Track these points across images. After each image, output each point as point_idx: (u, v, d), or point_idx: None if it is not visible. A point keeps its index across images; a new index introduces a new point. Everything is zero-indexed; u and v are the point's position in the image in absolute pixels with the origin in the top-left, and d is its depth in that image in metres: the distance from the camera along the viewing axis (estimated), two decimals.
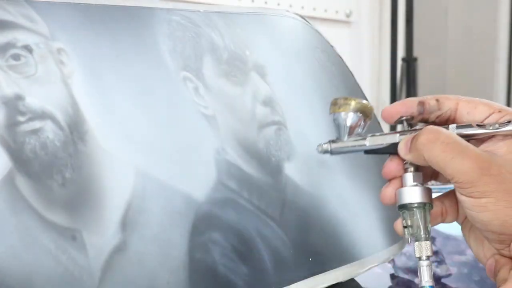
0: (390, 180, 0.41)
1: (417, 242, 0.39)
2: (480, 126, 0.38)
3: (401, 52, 2.36)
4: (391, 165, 0.41)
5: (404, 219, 0.40)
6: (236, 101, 0.49)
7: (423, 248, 0.39)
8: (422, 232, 0.39)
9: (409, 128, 0.41)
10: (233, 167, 0.46)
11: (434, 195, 0.41)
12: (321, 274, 0.47)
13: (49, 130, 0.38)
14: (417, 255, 0.39)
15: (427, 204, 0.39)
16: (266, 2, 2.26)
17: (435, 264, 0.61)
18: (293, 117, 0.52)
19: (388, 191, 0.41)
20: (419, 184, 0.39)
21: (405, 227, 0.40)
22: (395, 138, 0.40)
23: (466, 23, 2.52)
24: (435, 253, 0.64)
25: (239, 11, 0.55)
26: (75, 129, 0.39)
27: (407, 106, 0.41)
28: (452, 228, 0.44)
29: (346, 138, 0.41)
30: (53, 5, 0.42)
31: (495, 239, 0.38)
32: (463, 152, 0.36)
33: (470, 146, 0.37)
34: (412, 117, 0.41)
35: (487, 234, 0.38)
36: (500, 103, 0.40)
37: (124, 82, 0.43)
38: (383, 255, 0.53)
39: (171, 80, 0.46)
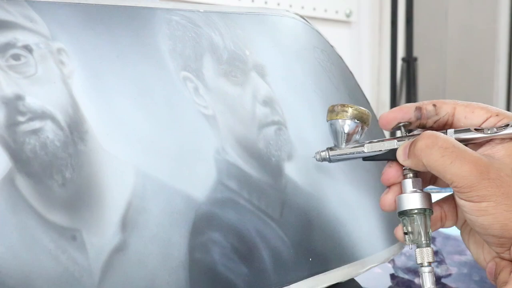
0: (389, 186, 0.41)
1: (418, 249, 0.39)
2: (478, 130, 0.38)
3: (401, 52, 2.36)
4: (390, 172, 0.41)
5: (404, 225, 0.40)
6: (236, 101, 0.49)
7: (424, 255, 0.39)
8: (423, 238, 0.39)
9: (407, 134, 0.41)
10: (233, 167, 0.46)
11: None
12: (321, 274, 0.47)
13: (49, 130, 0.38)
14: (419, 262, 0.39)
15: (427, 210, 0.39)
16: (266, 2, 2.26)
17: (435, 264, 0.61)
18: (293, 117, 0.52)
19: (388, 197, 0.41)
20: (418, 190, 0.39)
21: (405, 233, 0.40)
22: (393, 144, 0.40)
23: (466, 23, 2.52)
24: (435, 253, 0.64)
25: (239, 11, 0.55)
26: (75, 129, 0.39)
27: (404, 112, 0.41)
28: (452, 228, 0.43)
29: (344, 145, 0.41)
30: (53, 5, 0.42)
31: (495, 243, 0.38)
32: (462, 157, 0.36)
33: (468, 150, 0.37)
34: (410, 123, 0.41)
35: (487, 238, 0.38)
36: (500, 103, 0.41)
37: (124, 82, 0.43)
38: (383, 255, 0.53)
39: (171, 80, 0.46)
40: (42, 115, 0.38)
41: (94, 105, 0.41)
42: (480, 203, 0.36)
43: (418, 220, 0.39)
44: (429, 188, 0.43)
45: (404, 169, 0.40)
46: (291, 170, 0.50)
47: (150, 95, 0.44)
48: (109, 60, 0.43)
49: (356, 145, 0.41)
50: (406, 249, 0.60)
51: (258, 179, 0.47)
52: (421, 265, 0.38)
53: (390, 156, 0.40)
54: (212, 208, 0.43)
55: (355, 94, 0.62)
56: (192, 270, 0.41)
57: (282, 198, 0.48)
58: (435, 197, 0.42)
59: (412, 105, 0.41)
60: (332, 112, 0.41)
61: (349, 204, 0.53)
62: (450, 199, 0.42)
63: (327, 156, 0.42)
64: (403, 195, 0.39)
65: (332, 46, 0.63)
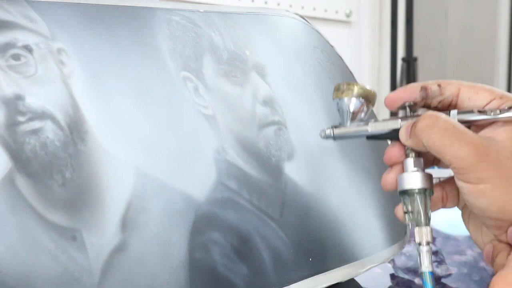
0: (391, 166, 0.41)
1: (417, 228, 0.39)
2: (481, 112, 0.38)
3: (401, 52, 2.37)
4: (393, 151, 0.41)
5: (404, 204, 0.40)
6: (236, 101, 0.49)
7: (423, 234, 0.39)
8: (422, 218, 0.39)
9: (411, 114, 0.41)
10: (233, 167, 0.46)
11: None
12: (321, 274, 0.47)
13: (49, 130, 0.38)
14: (417, 241, 0.39)
15: (427, 190, 0.39)
16: (266, 2, 2.26)
17: (435, 264, 0.61)
18: (293, 117, 0.52)
19: (390, 177, 0.41)
20: (420, 170, 0.39)
21: (405, 212, 0.40)
22: (396, 123, 0.40)
23: (466, 23, 2.52)
24: (435, 253, 0.64)
25: (239, 11, 0.55)
26: (75, 129, 0.39)
27: (410, 92, 0.41)
28: (452, 228, 0.43)
29: (348, 123, 0.41)
30: (53, 5, 0.42)
31: (493, 225, 0.38)
32: (461, 138, 0.36)
33: (468, 132, 0.37)
34: (415, 103, 0.41)
35: (485, 220, 0.38)
36: None
37: (124, 82, 0.43)
38: (383, 255, 0.53)
39: (171, 80, 0.46)
40: (42, 115, 0.38)
41: (94, 105, 0.41)
42: (477, 185, 0.36)
43: (418, 199, 0.39)
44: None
45: (407, 149, 0.40)
46: (291, 170, 0.50)
47: (150, 95, 0.44)
48: (109, 60, 0.43)
49: (360, 123, 0.41)
50: (406, 249, 0.60)
51: (258, 179, 0.47)
52: (420, 244, 0.39)
53: (393, 135, 0.41)
54: (212, 208, 0.43)
55: None
56: (192, 270, 0.41)
57: (282, 198, 0.48)
58: (437, 174, 0.41)
59: (417, 85, 0.41)
60: (338, 90, 0.41)
61: (349, 204, 0.53)
62: (452, 180, 0.42)
63: (331, 134, 0.42)
64: (404, 174, 0.40)
65: (332, 46, 0.63)
